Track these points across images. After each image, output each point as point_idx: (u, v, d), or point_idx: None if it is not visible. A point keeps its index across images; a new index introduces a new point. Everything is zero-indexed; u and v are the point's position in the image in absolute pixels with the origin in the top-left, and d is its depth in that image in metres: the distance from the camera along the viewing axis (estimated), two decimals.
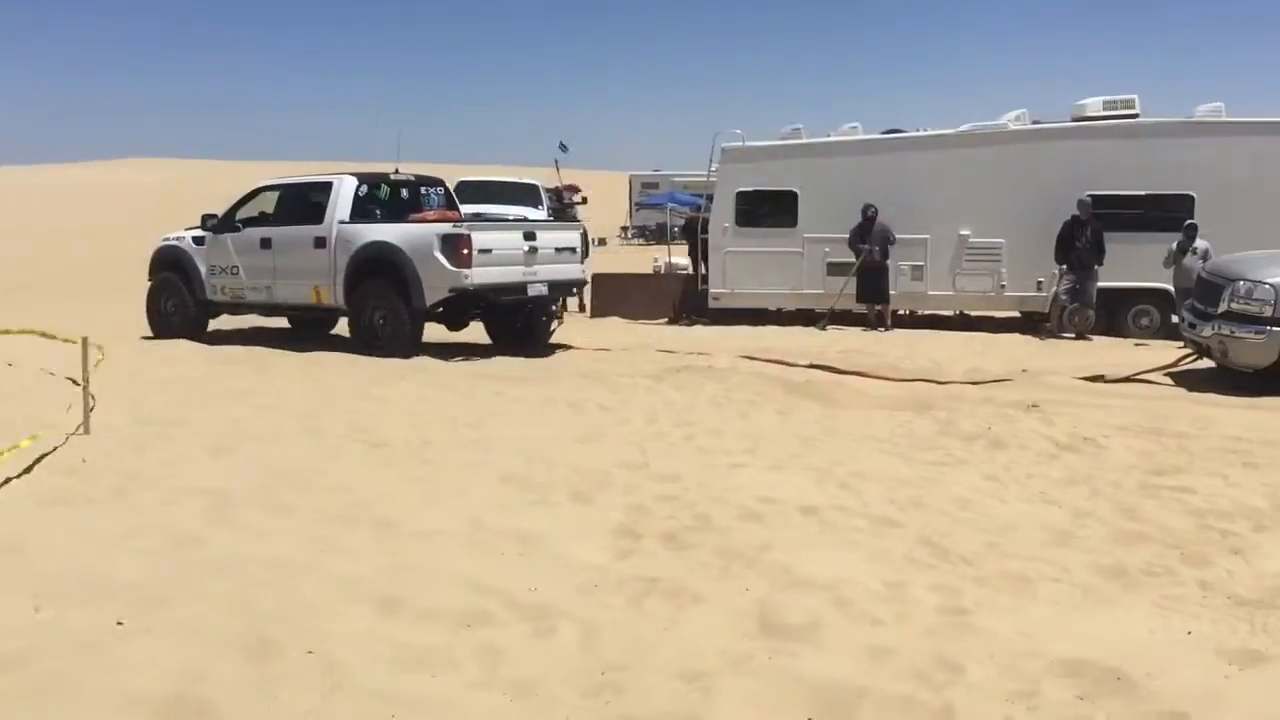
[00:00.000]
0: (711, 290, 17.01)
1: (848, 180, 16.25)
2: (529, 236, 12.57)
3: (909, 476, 7.17)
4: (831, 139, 17.07)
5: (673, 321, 16.52)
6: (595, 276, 17.11)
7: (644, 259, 26.63)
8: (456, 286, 12.00)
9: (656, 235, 40.38)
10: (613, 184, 59.01)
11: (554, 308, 13.95)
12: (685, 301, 17.14)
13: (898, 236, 15.99)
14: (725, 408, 9.35)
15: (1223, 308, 10.63)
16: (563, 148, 23.68)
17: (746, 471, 7.19)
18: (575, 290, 13.70)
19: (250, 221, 13.86)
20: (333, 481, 6.82)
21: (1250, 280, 10.45)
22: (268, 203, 14.15)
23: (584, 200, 24.67)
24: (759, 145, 17.04)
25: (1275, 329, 10.21)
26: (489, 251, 12.05)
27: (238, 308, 14.11)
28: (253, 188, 14.25)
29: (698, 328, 16.43)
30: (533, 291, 12.59)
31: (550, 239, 12.84)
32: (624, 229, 51.40)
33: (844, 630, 4.64)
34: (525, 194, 21.24)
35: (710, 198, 17.37)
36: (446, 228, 12.14)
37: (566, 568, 5.32)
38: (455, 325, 13.41)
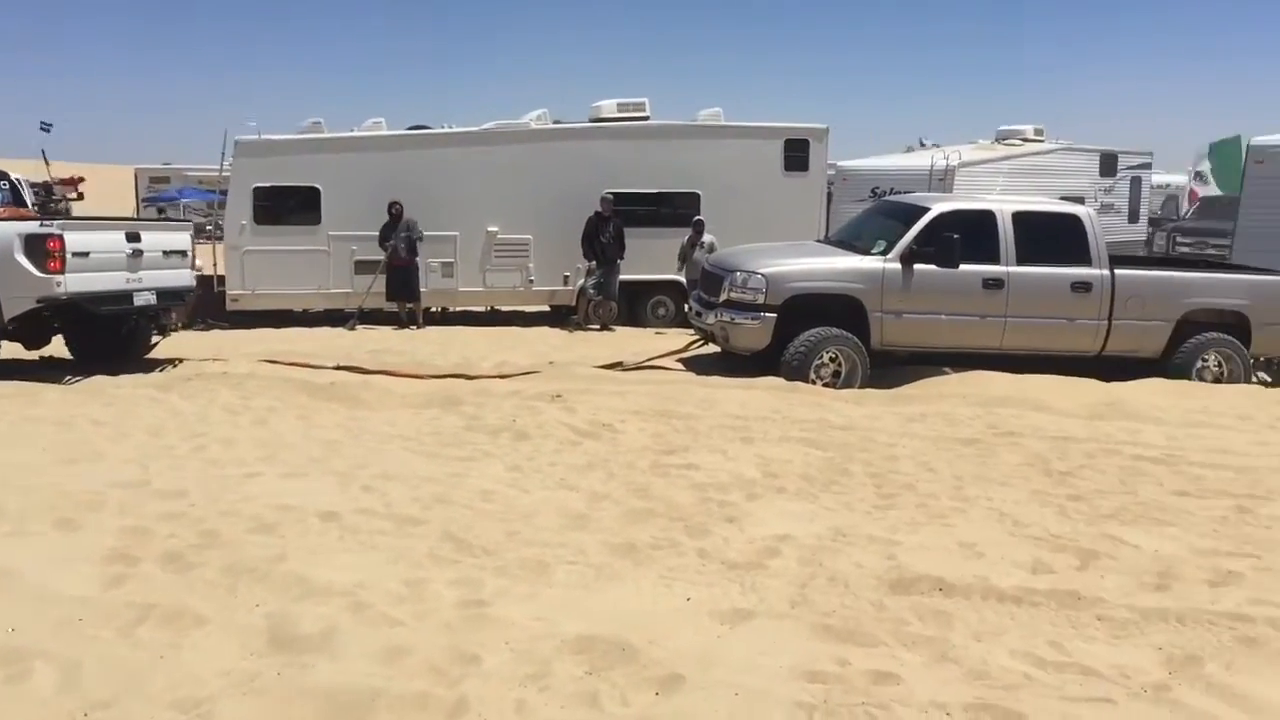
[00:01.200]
0: (230, 292, 16.00)
1: (373, 176, 15.96)
2: (132, 238, 10.73)
3: (435, 474, 7.11)
4: (355, 134, 16.67)
5: (188, 326, 15.35)
6: None
7: None
8: (46, 296, 10.03)
9: None
10: (116, 177, 53.94)
11: (170, 317, 12.23)
12: (200, 305, 15.93)
13: (426, 233, 15.93)
14: (241, 415, 8.78)
15: (724, 297, 11.57)
16: (44, 127, 21.21)
17: (261, 481, 6.78)
18: (184, 299, 11.83)
19: None
20: None
21: (745, 271, 11.46)
22: None
23: (80, 196, 22.31)
24: (277, 139, 16.26)
25: (768, 315, 11.27)
26: (86, 255, 10.06)
27: None
28: None
29: (215, 332, 15.42)
30: (139, 300, 10.86)
31: (157, 240, 11.11)
32: None
33: (360, 635, 4.48)
34: None
35: (226, 194, 16.33)
36: (31, 226, 10.12)
37: (46, 602, 4.70)
38: (35, 343, 11.41)
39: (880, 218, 12.57)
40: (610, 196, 16.02)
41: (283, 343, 13.67)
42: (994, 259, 11.39)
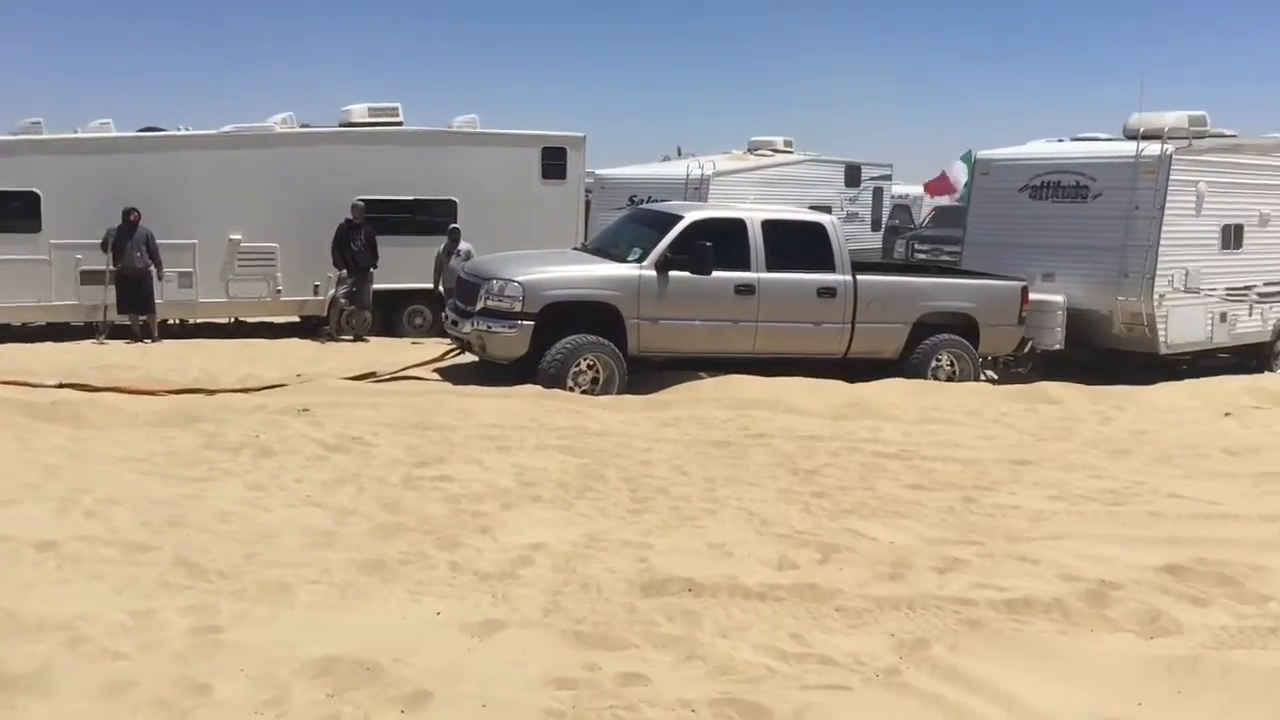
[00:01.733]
0: None
1: (100, 181, 14.85)
2: None
3: (167, 496, 6.68)
4: (79, 135, 15.52)
5: None
6: None
7: None
8: None
9: None
10: None
11: None
12: None
13: (161, 242, 14.97)
14: None
15: (480, 305, 11.44)
16: None
17: None
18: None
19: None
20: None
21: (502, 279, 11.37)
22: None
23: None
24: None
25: (525, 322, 11.22)
26: None
27: None
28: None
29: None
30: None
31: None
32: None
33: (78, 671, 4.16)
34: None
35: None
36: None
37: None
38: None
39: (635, 225, 12.75)
40: (361, 203, 15.57)
41: None
42: (745, 266, 11.75)
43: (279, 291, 15.95)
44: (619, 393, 11.12)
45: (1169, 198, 13.06)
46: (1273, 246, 14.49)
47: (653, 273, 11.45)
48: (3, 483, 6.82)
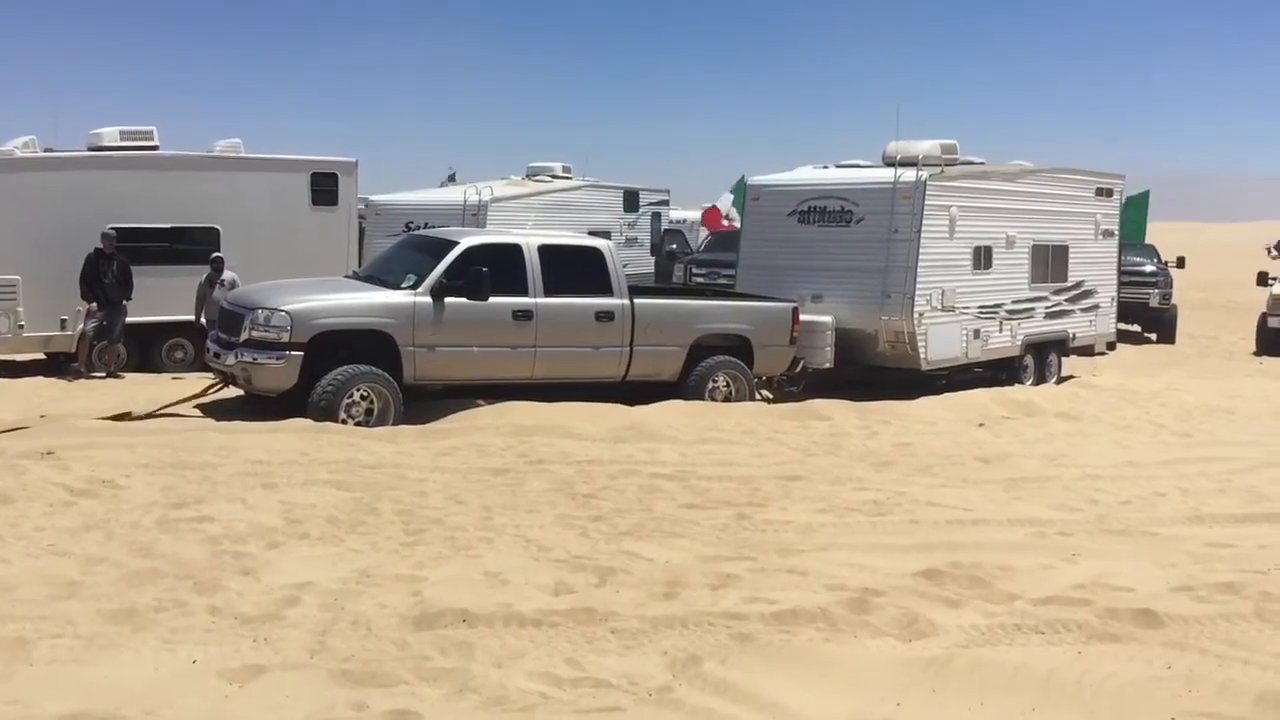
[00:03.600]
0: None
1: None
2: None
3: None
4: None
5: None
6: None
7: None
8: None
9: None
10: None
11: None
12: None
13: None
14: None
15: (244, 336, 10.95)
16: None
17: None
18: None
19: None
20: None
21: (267, 309, 10.92)
22: None
23: None
24: None
25: (293, 353, 10.80)
26: None
27: None
28: None
29: None
30: None
31: None
32: None
33: None
34: None
35: None
36: None
37: None
38: None
39: (410, 251, 12.51)
40: (113, 232, 14.64)
41: None
42: (523, 291, 11.71)
43: (21, 327, 14.80)
44: (395, 423, 10.85)
45: (925, 221, 13.72)
46: (1019, 266, 15.41)
47: (428, 299, 11.26)
48: None
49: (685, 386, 12.58)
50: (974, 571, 6.03)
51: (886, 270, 13.82)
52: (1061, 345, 16.31)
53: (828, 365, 13.97)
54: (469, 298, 11.36)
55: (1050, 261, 15.87)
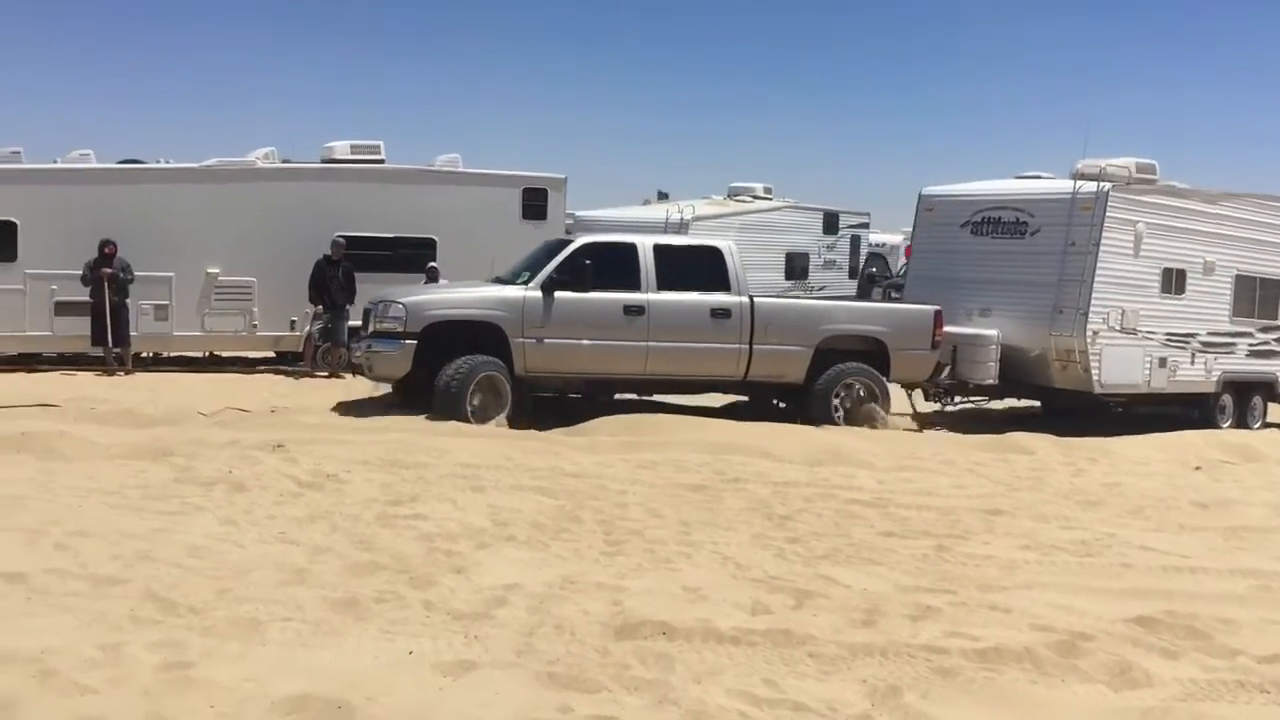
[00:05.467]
0: None
1: (79, 212, 14.81)
2: None
3: (138, 529, 6.62)
4: (59, 165, 15.50)
5: None
6: None
7: None
8: None
9: None
10: None
11: None
12: None
13: (139, 274, 14.90)
14: None
15: (371, 328, 11.69)
16: None
17: None
18: None
19: None
20: None
21: (387, 301, 11.58)
22: None
23: None
24: None
25: (408, 342, 11.37)
26: None
27: None
28: None
29: None
30: None
31: None
32: None
33: (46, 705, 4.12)
34: None
35: None
36: None
37: None
38: None
39: (541, 254, 12.77)
40: (342, 240, 15.57)
41: None
42: (635, 287, 11.91)
43: (255, 326, 15.90)
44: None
45: (1105, 235, 12.99)
46: (1219, 296, 14.36)
47: (538, 293, 11.65)
48: None
49: (812, 391, 12.34)
50: (1192, 622, 5.73)
51: (1060, 284, 13.13)
52: (1269, 389, 15.07)
53: (990, 381, 13.40)
54: (574, 290, 11.65)
55: (1258, 295, 14.71)
